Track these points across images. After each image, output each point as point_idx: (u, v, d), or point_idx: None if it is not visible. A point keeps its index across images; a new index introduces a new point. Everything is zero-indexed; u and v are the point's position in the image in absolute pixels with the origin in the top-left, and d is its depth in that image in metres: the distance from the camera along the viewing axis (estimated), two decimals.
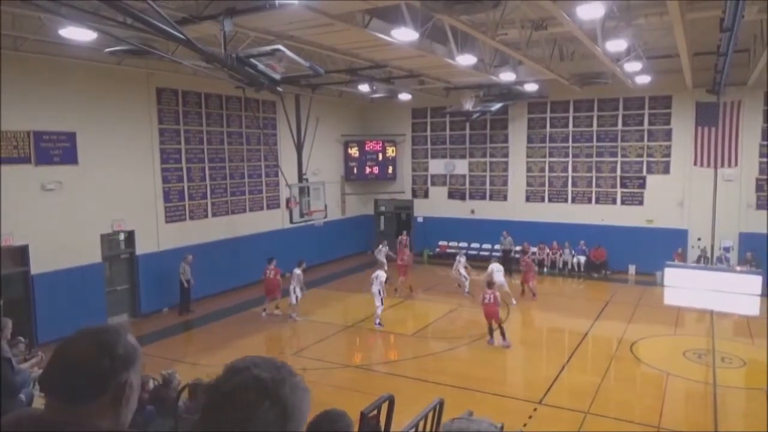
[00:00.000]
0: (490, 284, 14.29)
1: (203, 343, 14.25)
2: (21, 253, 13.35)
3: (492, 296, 13.62)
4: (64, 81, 13.92)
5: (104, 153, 14.89)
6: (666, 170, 20.77)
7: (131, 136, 15.75)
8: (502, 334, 13.61)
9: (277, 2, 8.69)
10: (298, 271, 15.96)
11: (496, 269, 16.67)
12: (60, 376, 1.47)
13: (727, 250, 19.69)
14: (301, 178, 18.86)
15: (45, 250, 13.53)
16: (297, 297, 15.74)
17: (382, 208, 26.71)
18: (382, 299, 15.23)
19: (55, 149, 13.90)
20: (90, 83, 14.47)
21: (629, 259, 20.85)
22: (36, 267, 13.50)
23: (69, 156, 14.16)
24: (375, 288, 15.23)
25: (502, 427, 3.84)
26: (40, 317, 13.40)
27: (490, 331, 13.73)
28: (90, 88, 14.51)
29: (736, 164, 19.40)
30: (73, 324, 1.58)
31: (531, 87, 18.59)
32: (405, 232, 22.30)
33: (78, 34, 10.18)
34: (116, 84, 15.08)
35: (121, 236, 15.88)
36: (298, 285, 15.77)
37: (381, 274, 15.43)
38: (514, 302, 17.06)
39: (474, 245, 23.65)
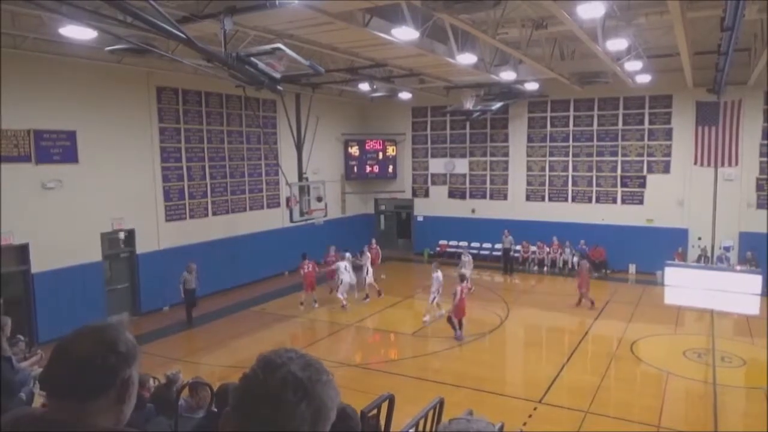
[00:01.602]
0: (464, 278, 14.33)
1: (203, 341, 14.25)
2: (21, 252, 13.36)
3: (467, 290, 14.05)
4: (64, 79, 13.91)
5: (104, 152, 14.89)
6: (666, 169, 20.77)
7: (131, 135, 15.75)
8: (460, 326, 13.84)
9: (277, 1, 8.67)
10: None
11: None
12: (64, 375, 1.47)
13: (727, 249, 19.68)
14: (301, 177, 18.87)
15: (45, 248, 13.53)
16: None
17: (383, 207, 26.71)
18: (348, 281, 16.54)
19: (56, 148, 13.90)
20: (90, 82, 14.47)
21: (629, 259, 20.85)
22: (36, 266, 13.51)
23: (69, 155, 14.16)
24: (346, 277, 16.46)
25: (501, 427, 3.84)
26: (41, 316, 13.41)
27: (461, 326, 13.81)
28: (90, 86, 14.51)
29: (736, 163, 19.39)
30: (74, 323, 1.58)
31: (531, 86, 18.59)
32: (374, 240, 21.20)
33: (78, 32, 10.17)
34: (116, 83, 15.07)
35: (121, 235, 15.88)
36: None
37: (340, 264, 16.58)
38: (427, 319, 15.22)
39: (474, 244, 23.65)
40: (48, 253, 13.59)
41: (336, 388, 1.37)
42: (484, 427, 1.47)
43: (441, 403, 4.57)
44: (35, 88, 13.35)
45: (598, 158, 21.80)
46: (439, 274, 15.06)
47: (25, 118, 13.13)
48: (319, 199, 18.42)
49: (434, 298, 15.00)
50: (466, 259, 18.52)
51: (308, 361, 1.35)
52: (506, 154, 23.49)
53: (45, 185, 13.60)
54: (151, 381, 7.65)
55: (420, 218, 25.38)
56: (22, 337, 9.36)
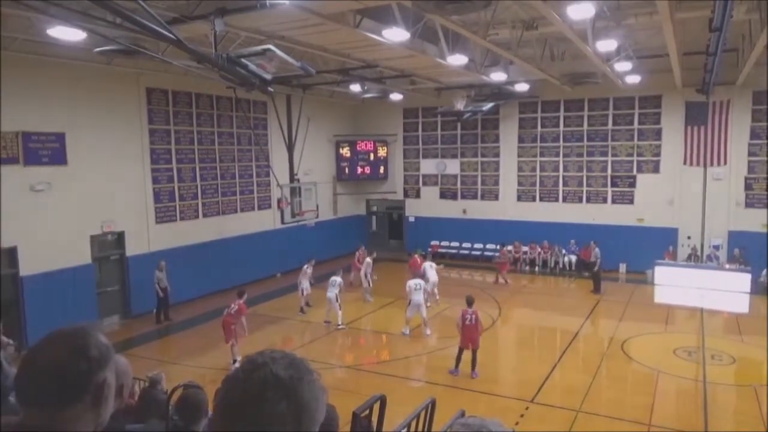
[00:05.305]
0: (471, 302, 11.73)
1: (195, 344, 14.16)
2: (10, 255, 13.22)
3: (474, 316, 11.51)
4: (53, 81, 13.80)
5: (94, 153, 14.78)
6: (656, 169, 20.91)
7: (121, 137, 15.65)
8: (474, 362, 11.57)
9: (268, 2, 8.66)
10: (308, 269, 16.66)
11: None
12: (35, 384, 1.42)
13: (716, 248, 19.84)
14: (292, 179, 18.81)
15: (34, 251, 13.41)
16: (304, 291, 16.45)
17: (374, 208, 26.72)
18: (340, 304, 15.00)
19: (44, 150, 13.78)
20: (79, 83, 14.36)
21: (620, 258, 20.95)
22: (25, 269, 13.39)
23: (58, 157, 14.04)
24: (331, 293, 14.92)
25: None
26: (30, 319, 13.27)
27: (459, 359, 11.64)
28: (79, 88, 14.40)
29: (725, 163, 19.57)
30: (63, 326, 1.55)
31: (522, 87, 18.66)
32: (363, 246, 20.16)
33: (67, 33, 10.10)
34: (106, 84, 14.97)
35: (111, 237, 15.78)
36: (305, 280, 16.57)
37: (338, 279, 15.17)
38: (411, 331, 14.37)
39: (465, 245, 23.71)
40: (37, 256, 13.46)
41: (322, 388, 1.35)
42: (498, 427, 1.46)
43: (433, 403, 4.58)
44: (23, 89, 13.21)
45: (589, 158, 21.91)
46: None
47: (13, 119, 12.97)
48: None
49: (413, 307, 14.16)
50: (433, 274, 16.72)
51: (292, 360, 1.33)
52: (497, 155, 23.56)
53: (33, 187, 13.49)
54: (136, 386, 7.57)
55: (411, 219, 25.41)
56: (11, 341, 9.27)
